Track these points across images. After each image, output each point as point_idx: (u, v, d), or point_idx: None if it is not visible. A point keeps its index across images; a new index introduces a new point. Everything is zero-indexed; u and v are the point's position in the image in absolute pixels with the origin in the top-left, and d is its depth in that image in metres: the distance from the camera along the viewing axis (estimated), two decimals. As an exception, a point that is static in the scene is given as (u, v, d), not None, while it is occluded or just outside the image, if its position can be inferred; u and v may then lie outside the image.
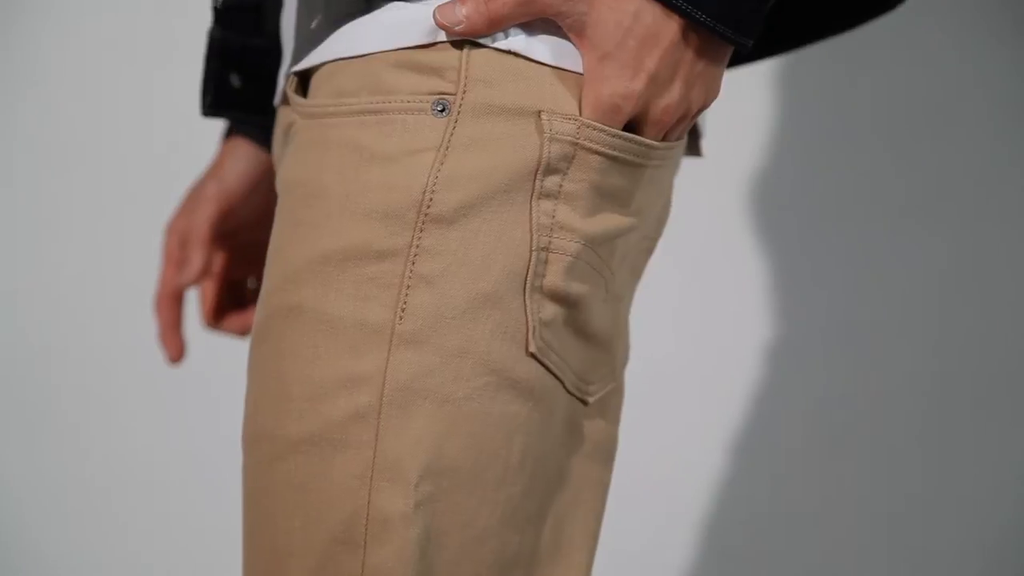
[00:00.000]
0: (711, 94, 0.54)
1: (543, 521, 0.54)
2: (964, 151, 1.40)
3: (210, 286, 0.77)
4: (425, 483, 0.49)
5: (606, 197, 0.52)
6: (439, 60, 0.51)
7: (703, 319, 1.43)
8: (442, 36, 0.50)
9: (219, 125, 0.80)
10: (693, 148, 0.66)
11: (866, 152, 1.43)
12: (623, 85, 0.50)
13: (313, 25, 0.55)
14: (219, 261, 0.77)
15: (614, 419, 0.60)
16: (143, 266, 1.50)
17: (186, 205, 0.76)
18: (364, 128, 0.51)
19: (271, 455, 0.52)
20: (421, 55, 0.51)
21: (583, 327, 0.53)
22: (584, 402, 0.55)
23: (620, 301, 0.57)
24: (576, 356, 0.53)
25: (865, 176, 1.43)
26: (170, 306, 0.76)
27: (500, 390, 0.50)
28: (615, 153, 0.51)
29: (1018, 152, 1.40)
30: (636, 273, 0.60)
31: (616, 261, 0.55)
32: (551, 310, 0.51)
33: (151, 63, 1.39)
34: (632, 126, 0.52)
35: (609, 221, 0.52)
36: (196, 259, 0.75)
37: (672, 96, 0.51)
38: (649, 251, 0.61)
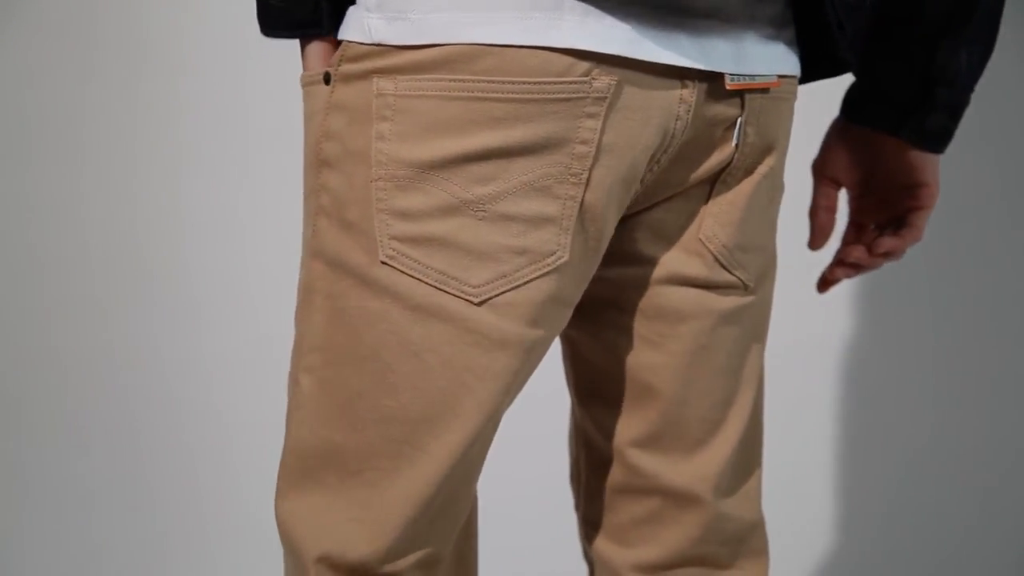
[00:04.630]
0: None
1: (421, 389, 0.66)
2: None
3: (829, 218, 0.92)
4: (312, 355, 0.68)
5: (437, 129, 0.63)
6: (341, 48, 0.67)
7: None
8: (349, 38, 0.66)
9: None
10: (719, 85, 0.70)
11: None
12: None
13: None
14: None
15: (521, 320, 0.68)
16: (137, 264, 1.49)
17: None
18: (307, 98, 0.69)
19: None
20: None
21: (446, 237, 0.64)
22: (468, 301, 0.65)
23: (509, 219, 0.64)
24: (443, 260, 0.64)
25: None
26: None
27: (359, 289, 0.65)
28: (430, 94, 0.63)
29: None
30: (547, 194, 0.65)
31: (484, 181, 0.64)
32: (401, 226, 0.64)
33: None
34: None
35: (446, 148, 0.63)
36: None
37: None
38: (560, 178, 0.65)
